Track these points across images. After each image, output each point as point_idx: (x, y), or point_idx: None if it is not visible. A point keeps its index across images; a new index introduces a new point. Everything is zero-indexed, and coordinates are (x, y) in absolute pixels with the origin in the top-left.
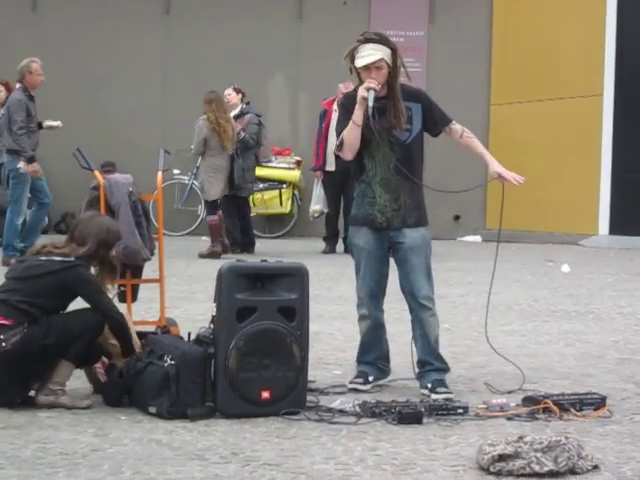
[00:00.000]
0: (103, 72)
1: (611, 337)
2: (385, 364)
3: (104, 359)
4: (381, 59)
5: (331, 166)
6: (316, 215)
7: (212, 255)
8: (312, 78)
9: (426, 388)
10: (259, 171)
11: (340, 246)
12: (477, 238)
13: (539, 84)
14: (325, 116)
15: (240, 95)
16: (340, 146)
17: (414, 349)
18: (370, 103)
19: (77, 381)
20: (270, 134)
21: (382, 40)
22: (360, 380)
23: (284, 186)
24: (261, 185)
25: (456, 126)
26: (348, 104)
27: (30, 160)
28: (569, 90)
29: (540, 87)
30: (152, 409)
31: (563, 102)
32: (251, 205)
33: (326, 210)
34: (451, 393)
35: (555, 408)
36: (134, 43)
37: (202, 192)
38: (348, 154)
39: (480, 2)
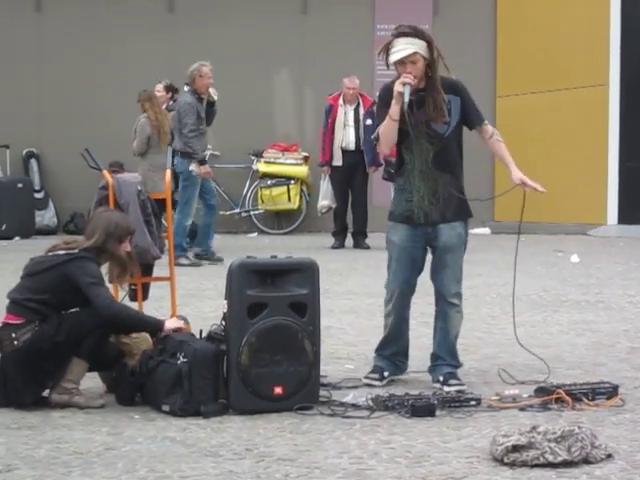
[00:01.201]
0: (108, 71)
1: (622, 326)
2: (403, 360)
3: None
4: (415, 53)
5: (338, 161)
6: (324, 210)
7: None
8: (317, 73)
9: (438, 381)
10: (267, 167)
11: (349, 241)
12: (486, 230)
13: (545, 75)
14: (331, 111)
15: (170, 93)
16: (377, 140)
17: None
18: (406, 99)
19: (90, 381)
20: (277, 130)
21: (416, 33)
22: (375, 376)
23: (292, 182)
24: (269, 181)
25: (488, 127)
26: (385, 95)
27: (202, 162)
28: (575, 80)
29: (546, 78)
30: (165, 407)
31: (569, 92)
32: (259, 201)
33: (334, 205)
34: (463, 385)
35: (567, 398)
36: (139, 41)
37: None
38: (385, 148)
39: None
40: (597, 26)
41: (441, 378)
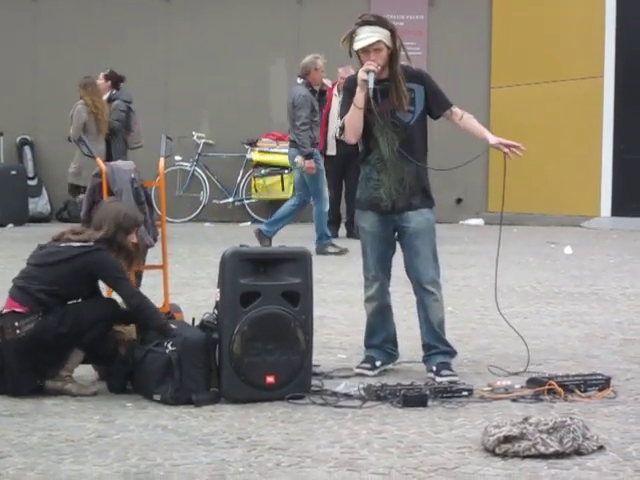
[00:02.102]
0: (104, 59)
1: (615, 318)
2: (392, 348)
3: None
4: (379, 41)
5: (332, 150)
6: None
7: None
8: None
9: (431, 371)
10: (261, 157)
11: (342, 230)
12: (479, 221)
13: (539, 66)
14: (326, 101)
15: (109, 82)
16: (342, 129)
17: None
18: (370, 85)
19: (82, 368)
20: (271, 120)
21: (380, 22)
22: (367, 365)
23: (286, 171)
24: (263, 171)
25: (456, 109)
26: (351, 87)
27: (308, 156)
28: (569, 72)
29: (540, 69)
30: (157, 397)
31: (564, 84)
32: (253, 191)
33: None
34: (456, 376)
35: (560, 389)
36: (135, 30)
37: (76, 177)
38: (351, 137)
39: None
40: (592, 18)
41: (434, 368)
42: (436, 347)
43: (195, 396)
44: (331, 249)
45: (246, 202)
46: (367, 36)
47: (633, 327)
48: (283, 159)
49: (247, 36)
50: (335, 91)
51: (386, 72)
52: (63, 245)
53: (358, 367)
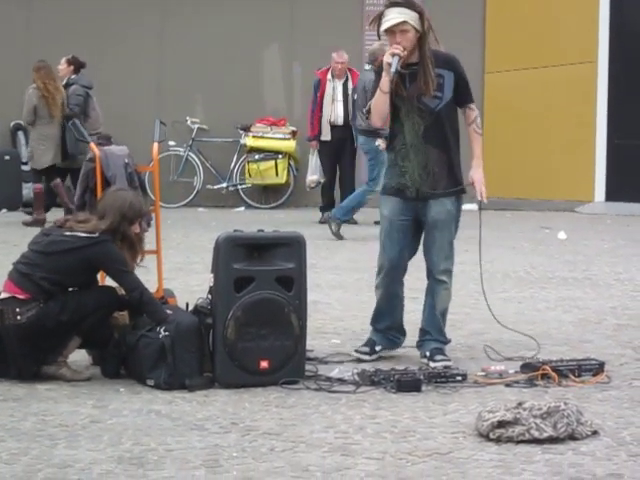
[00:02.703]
0: (99, 46)
1: (609, 303)
2: (396, 335)
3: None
4: (405, 22)
5: (327, 136)
6: (313, 185)
7: (37, 223)
8: (306, 48)
9: (425, 357)
10: (255, 142)
11: None
12: (473, 206)
13: (534, 51)
14: (319, 86)
15: (72, 67)
16: (368, 112)
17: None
18: (393, 69)
19: (76, 354)
20: (265, 105)
21: (408, 4)
22: (366, 349)
23: (280, 156)
24: (257, 156)
25: (473, 111)
26: (380, 71)
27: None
28: (564, 57)
29: (535, 54)
30: (150, 382)
31: (558, 69)
32: (247, 176)
33: (323, 180)
34: (449, 360)
35: (554, 374)
36: (130, 16)
37: (31, 160)
38: (377, 121)
39: None
40: (586, 2)
41: (428, 353)
42: (431, 334)
43: (189, 381)
44: (334, 228)
45: (240, 187)
46: (393, 17)
47: (627, 312)
48: (277, 144)
49: (241, 22)
50: (329, 76)
51: (415, 56)
52: (68, 234)
53: (356, 350)
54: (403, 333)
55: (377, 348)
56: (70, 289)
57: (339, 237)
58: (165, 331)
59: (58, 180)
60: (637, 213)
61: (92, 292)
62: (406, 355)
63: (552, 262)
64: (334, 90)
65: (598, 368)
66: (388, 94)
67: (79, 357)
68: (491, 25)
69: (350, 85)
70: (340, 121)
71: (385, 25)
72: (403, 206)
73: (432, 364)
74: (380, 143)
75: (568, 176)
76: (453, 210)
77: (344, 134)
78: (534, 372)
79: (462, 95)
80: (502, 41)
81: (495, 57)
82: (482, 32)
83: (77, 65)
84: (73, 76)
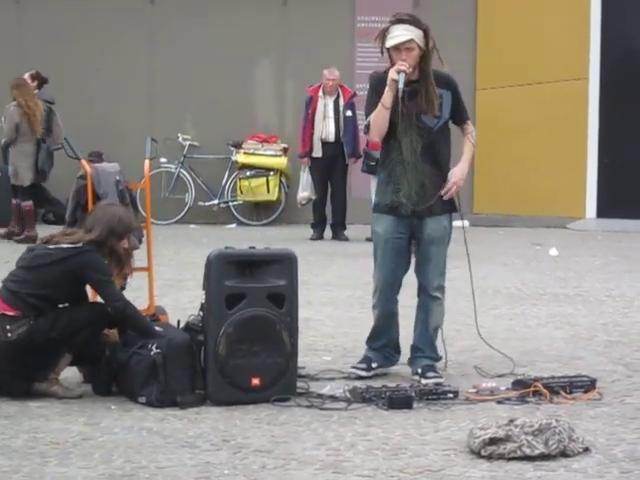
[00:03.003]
0: (89, 61)
1: (600, 320)
2: (393, 353)
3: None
4: (411, 40)
5: (318, 152)
6: (304, 202)
7: (28, 240)
8: (298, 65)
9: (417, 374)
10: (246, 158)
11: (328, 232)
12: (465, 223)
13: (525, 68)
14: (311, 102)
15: (35, 82)
16: (367, 128)
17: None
18: (400, 85)
19: (67, 371)
20: (256, 121)
21: (414, 21)
22: (363, 366)
23: (271, 173)
24: (248, 172)
25: (469, 126)
26: (376, 85)
27: None
28: (555, 74)
29: (526, 71)
30: (142, 399)
31: (549, 86)
32: (238, 192)
33: (314, 197)
34: (441, 378)
35: (545, 391)
36: (119, 32)
37: (15, 178)
38: (375, 136)
39: None
40: (577, 20)
41: (419, 370)
42: (422, 351)
43: (180, 398)
44: None
45: (231, 204)
46: (400, 34)
47: (618, 329)
48: (268, 161)
49: (232, 38)
50: (320, 93)
51: (416, 73)
52: (52, 247)
53: (353, 367)
54: (399, 351)
55: (373, 365)
56: (61, 305)
57: None
58: (157, 348)
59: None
60: (628, 229)
61: (82, 308)
62: (398, 372)
63: (543, 278)
64: (325, 107)
65: (589, 385)
66: (389, 110)
67: (70, 374)
68: (482, 42)
69: (341, 102)
70: (331, 138)
71: (392, 42)
72: (398, 223)
73: (424, 381)
74: None
75: (559, 193)
76: (448, 227)
77: (335, 151)
78: (525, 389)
79: (459, 114)
80: (493, 58)
81: (486, 74)
82: (473, 49)
83: (40, 80)
84: (36, 91)
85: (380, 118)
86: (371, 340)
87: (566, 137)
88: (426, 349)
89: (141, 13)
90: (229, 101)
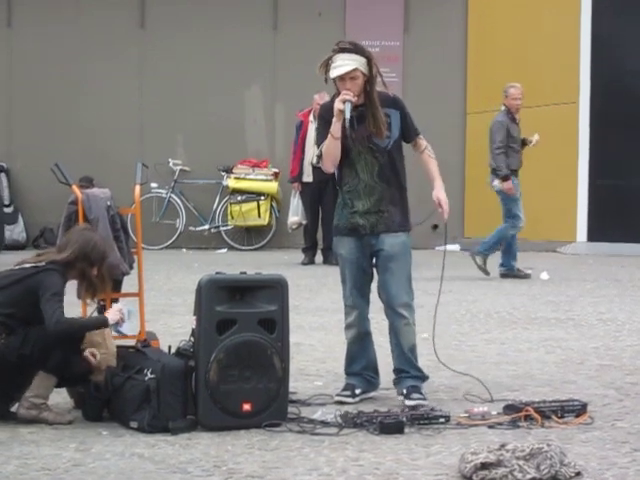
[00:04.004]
0: (79, 87)
1: (591, 343)
2: (373, 375)
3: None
4: (355, 69)
5: (308, 177)
6: (294, 227)
7: None
8: (288, 89)
9: (402, 394)
10: (237, 183)
11: (319, 257)
12: (455, 247)
13: None
14: (301, 127)
15: None
16: (319, 158)
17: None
18: (347, 115)
19: (58, 396)
20: (247, 146)
21: (357, 49)
22: (347, 393)
23: (262, 198)
24: (239, 197)
25: (422, 140)
26: (325, 115)
27: (505, 178)
28: (545, 98)
29: None
30: (133, 424)
31: (539, 110)
32: (229, 217)
33: (304, 221)
34: (425, 400)
35: (537, 415)
36: (110, 57)
37: None
38: (329, 166)
39: (454, 11)
40: (567, 44)
41: (404, 391)
42: (406, 372)
43: (172, 424)
44: (479, 261)
45: (222, 229)
46: (343, 64)
47: (609, 352)
48: (259, 186)
49: (222, 62)
50: (311, 117)
51: (362, 98)
52: (17, 268)
53: (338, 395)
54: (377, 373)
55: (357, 391)
56: (32, 324)
57: (485, 272)
58: (152, 374)
59: None
60: (619, 253)
61: None
62: (389, 397)
63: (535, 303)
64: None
65: (581, 409)
66: (339, 139)
67: (61, 399)
68: (472, 66)
69: None
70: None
71: (335, 73)
72: (358, 243)
73: (407, 402)
74: (497, 183)
75: (550, 216)
76: (407, 242)
77: (326, 175)
78: (517, 413)
79: (409, 131)
80: (483, 82)
81: (476, 98)
82: (463, 73)
83: None
84: None
85: (331, 148)
86: (349, 366)
87: (557, 161)
88: (410, 369)
89: (131, 38)
90: (219, 126)
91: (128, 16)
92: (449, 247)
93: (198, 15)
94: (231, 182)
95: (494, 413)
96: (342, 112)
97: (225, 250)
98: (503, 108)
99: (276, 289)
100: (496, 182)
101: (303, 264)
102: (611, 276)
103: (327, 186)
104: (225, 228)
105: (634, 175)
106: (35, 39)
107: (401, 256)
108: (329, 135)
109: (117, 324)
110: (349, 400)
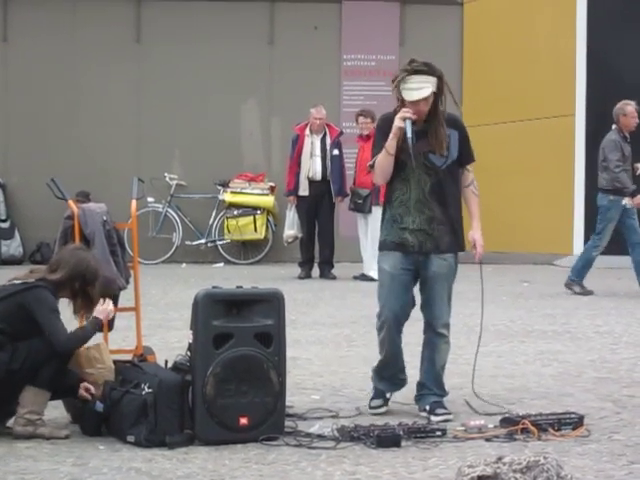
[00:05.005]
0: (76, 101)
1: (588, 356)
2: (401, 377)
3: (87, 385)
4: (431, 94)
5: (304, 191)
6: (290, 240)
7: None
8: (284, 103)
9: (425, 410)
10: (233, 197)
11: (315, 271)
12: None
13: (511, 105)
14: (297, 141)
15: None
16: (371, 167)
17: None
18: (409, 134)
19: (55, 411)
20: (243, 160)
21: (430, 70)
22: (379, 402)
23: (258, 212)
24: (235, 211)
25: (470, 174)
26: (383, 126)
27: (633, 194)
28: (541, 111)
29: (512, 108)
30: (130, 438)
31: (535, 123)
32: (225, 231)
33: (300, 235)
34: (450, 414)
35: (533, 428)
36: (106, 72)
37: None
38: (380, 180)
39: (450, 25)
40: (563, 57)
41: (427, 407)
42: (429, 388)
43: (169, 438)
44: (577, 289)
45: (219, 243)
46: (419, 87)
47: (606, 365)
48: (255, 200)
49: (218, 76)
50: (307, 131)
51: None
52: (8, 284)
53: (371, 407)
54: (405, 372)
55: (387, 395)
56: (21, 340)
57: (588, 292)
58: (149, 388)
59: None
60: (616, 266)
61: (41, 341)
62: (388, 411)
63: (531, 315)
64: (312, 145)
65: (578, 422)
66: (393, 155)
67: (58, 414)
68: (468, 79)
69: (328, 140)
70: (318, 176)
71: (412, 97)
72: (404, 260)
73: (434, 418)
74: (626, 201)
75: (547, 229)
76: (454, 264)
77: (322, 189)
78: (514, 426)
79: (466, 154)
80: (479, 95)
81: (472, 111)
82: (459, 86)
83: None
84: None
85: (384, 163)
86: (381, 370)
87: (553, 174)
88: (433, 387)
89: (128, 52)
90: (216, 140)
91: (124, 31)
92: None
93: (194, 30)
94: (227, 196)
95: (491, 426)
96: (401, 129)
97: (222, 264)
98: (614, 127)
99: (272, 303)
100: (625, 200)
101: (300, 278)
102: (607, 289)
103: (323, 200)
104: (221, 242)
105: None
106: (31, 54)
107: (447, 278)
108: (384, 150)
109: None
110: (382, 410)
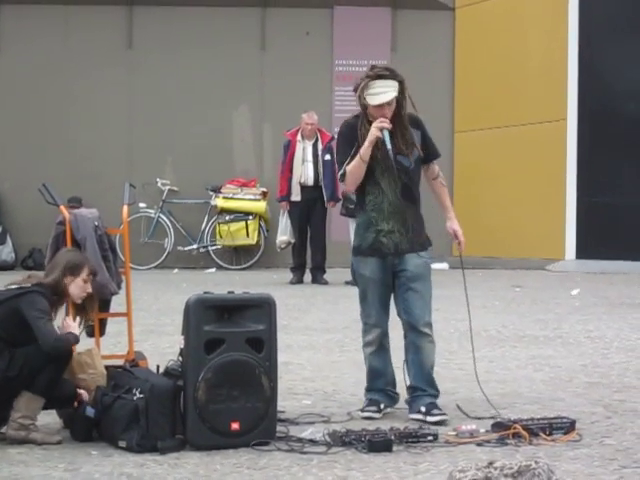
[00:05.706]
0: (68, 107)
1: (579, 361)
2: (394, 391)
3: (81, 392)
4: (394, 97)
5: (297, 196)
6: (283, 246)
7: None
8: (276, 109)
9: (419, 412)
10: (225, 203)
11: (307, 276)
12: (444, 265)
13: (503, 110)
14: (289, 146)
15: None
16: (343, 176)
17: (406, 374)
18: (389, 146)
19: (48, 416)
20: (235, 166)
21: (392, 75)
22: (373, 408)
23: (250, 217)
24: (227, 217)
25: (435, 166)
26: (347, 132)
27: None
28: (533, 116)
29: (504, 113)
30: (122, 443)
31: (527, 128)
32: (217, 237)
33: (293, 240)
34: (446, 415)
35: (525, 433)
36: (98, 78)
37: None
38: (352, 187)
39: (442, 30)
40: (555, 62)
41: (423, 409)
42: (423, 389)
43: (160, 443)
44: None
45: (211, 248)
46: (382, 91)
47: (597, 370)
48: (247, 205)
49: (210, 82)
50: (299, 137)
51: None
52: (3, 290)
53: (364, 411)
54: (396, 387)
55: (381, 406)
56: (20, 346)
57: None
58: (140, 393)
59: None
60: (608, 271)
61: (38, 348)
62: (394, 414)
63: (523, 320)
64: (304, 151)
65: (569, 426)
66: (367, 162)
67: (50, 420)
68: (460, 84)
69: (320, 146)
70: (310, 182)
71: (376, 101)
72: (382, 264)
73: (430, 418)
74: None
75: (539, 234)
76: (429, 262)
77: (314, 194)
78: (505, 431)
79: (432, 151)
80: (471, 100)
81: (464, 116)
82: (451, 91)
83: None
84: None
85: (357, 170)
86: (372, 383)
87: (545, 179)
88: (426, 387)
89: (120, 58)
90: (208, 145)
91: (116, 37)
92: (437, 266)
93: (186, 36)
94: (219, 202)
95: (482, 431)
96: (379, 138)
97: (214, 270)
98: None
99: (264, 308)
100: None
101: (292, 283)
102: (599, 294)
103: (315, 205)
104: (213, 248)
105: (622, 193)
106: (23, 60)
107: (424, 276)
108: (358, 157)
109: None
110: (376, 415)
